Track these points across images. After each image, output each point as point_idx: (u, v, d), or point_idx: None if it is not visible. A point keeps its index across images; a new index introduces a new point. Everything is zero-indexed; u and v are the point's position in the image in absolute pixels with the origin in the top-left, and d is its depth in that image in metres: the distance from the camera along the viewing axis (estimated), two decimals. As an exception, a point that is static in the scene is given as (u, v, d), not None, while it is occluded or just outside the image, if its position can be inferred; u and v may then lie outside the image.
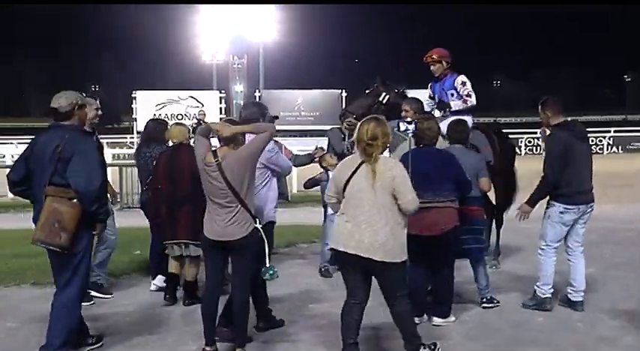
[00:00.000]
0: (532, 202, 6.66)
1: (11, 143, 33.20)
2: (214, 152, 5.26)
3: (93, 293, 7.04)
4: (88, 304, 6.72)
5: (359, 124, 5.32)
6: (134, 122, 32.99)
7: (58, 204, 5.12)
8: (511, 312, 6.66)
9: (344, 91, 32.97)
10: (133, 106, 33.30)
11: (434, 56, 8.36)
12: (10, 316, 6.70)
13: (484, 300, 6.80)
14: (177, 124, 7.83)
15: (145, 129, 8.17)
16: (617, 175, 20.59)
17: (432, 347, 5.37)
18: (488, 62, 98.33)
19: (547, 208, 6.69)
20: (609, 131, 37.29)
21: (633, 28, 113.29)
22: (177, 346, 5.81)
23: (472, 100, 8.23)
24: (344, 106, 25.90)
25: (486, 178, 6.79)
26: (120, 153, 28.22)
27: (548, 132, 6.98)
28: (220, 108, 32.63)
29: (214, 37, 40.57)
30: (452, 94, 8.29)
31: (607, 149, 35.24)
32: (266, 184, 5.92)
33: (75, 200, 5.14)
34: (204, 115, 24.47)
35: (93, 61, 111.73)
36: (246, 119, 5.98)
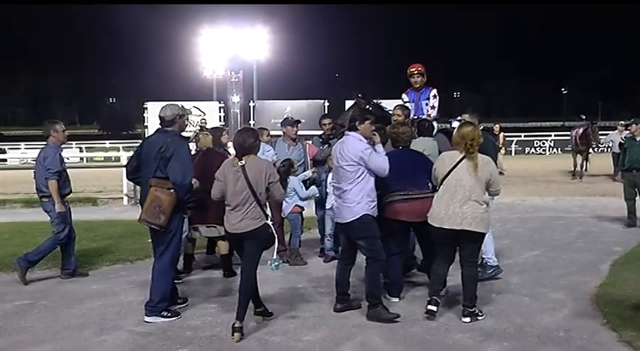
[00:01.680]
0: None
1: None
2: (239, 157, 5.47)
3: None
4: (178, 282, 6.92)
5: (457, 128, 5.86)
6: (145, 129, 32.80)
7: (159, 192, 5.66)
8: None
9: (326, 101, 33.03)
10: (145, 115, 33.15)
11: (420, 69, 8.31)
12: (41, 295, 6.69)
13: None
14: (205, 134, 7.83)
15: None
16: (558, 173, 20.81)
17: (480, 313, 5.66)
18: (451, 76, 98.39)
19: None
20: (550, 135, 37.58)
21: (569, 49, 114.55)
22: (199, 317, 5.86)
23: (434, 113, 8.21)
24: (327, 112, 25.98)
25: None
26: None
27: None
28: (220, 116, 32.51)
29: (214, 55, 40.40)
30: (426, 104, 8.32)
31: (549, 150, 35.55)
32: (360, 180, 5.72)
33: (172, 190, 5.65)
34: (206, 122, 24.39)
35: (110, 78, 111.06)
36: (351, 120, 5.99)
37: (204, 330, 5.51)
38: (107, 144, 44.77)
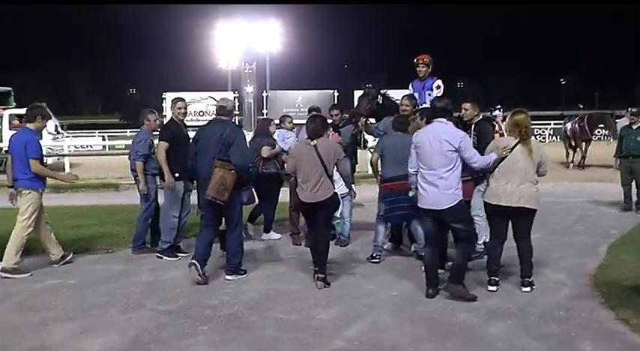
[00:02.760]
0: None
1: (68, 136, 33.05)
2: (311, 138, 6.26)
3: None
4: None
5: (510, 115, 6.05)
6: (164, 118, 32.83)
7: (223, 173, 6.19)
8: (472, 273, 6.67)
9: (336, 91, 32.92)
10: (163, 105, 33.14)
11: (425, 60, 8.15)
12: (69, 275, 6.75)
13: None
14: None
15: (257, 125, 8.68)
16: (557, 160, 20.63)
17: (533, 283, 5.94)
18: (455, 68, 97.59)
19: (478, 184, 6.66)
20: (550, 124, 37.32)
21: (568, 43, 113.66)
22: (217, 297, 5.87)
23: None
24: (336, 102, 25.93)
25: None
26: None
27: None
28: (234, 106, 32.47)
29: (229, 48, 40.32)
30: (429, 94, 8.22)
31: (548, 138, 35.30)
32: (458, 166, 5.66)
33: (233, 171, 6.20)
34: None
35: (130, 70, 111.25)
36: (441, 109, 5.91)
37: (223, 309, 5.54)
38: (128, 132, 44.89)
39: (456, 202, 5.67)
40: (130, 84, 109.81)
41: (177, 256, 7.46)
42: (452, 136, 5.68)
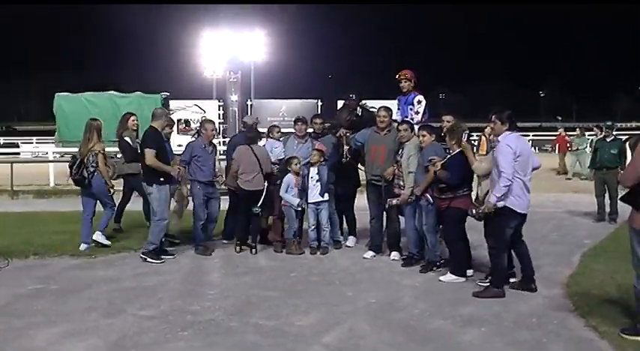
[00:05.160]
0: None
1: (52, 143, 32.81)
2: (248, 144, 8.10)
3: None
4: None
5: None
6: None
7: None
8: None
9: (319, 100, 32.99)
10: (149, 112, 33.01)
11: (407, 75, 8.15)
12: (52, 281, 6.73)
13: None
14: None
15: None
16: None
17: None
18: (438, 78, 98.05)
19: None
20: (528, 135, 37.66)
21: (548, 55, 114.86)
22: (199, 303, 5.89)
23: (417, 118, 7.99)
24: (319, 112, 26.03)
25: None
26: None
27: None
28: (219, 114, 32.34)
29: (214, 56, 40.32)
30: (410, 108, 8.26)
31: (528, 150, 35.65)
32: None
33: None
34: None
35: (117, 77, 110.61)
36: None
37: (204, 314, 5.56)
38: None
39: None
40: (117, 91, 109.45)
41: (162, 260, 7.55)
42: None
